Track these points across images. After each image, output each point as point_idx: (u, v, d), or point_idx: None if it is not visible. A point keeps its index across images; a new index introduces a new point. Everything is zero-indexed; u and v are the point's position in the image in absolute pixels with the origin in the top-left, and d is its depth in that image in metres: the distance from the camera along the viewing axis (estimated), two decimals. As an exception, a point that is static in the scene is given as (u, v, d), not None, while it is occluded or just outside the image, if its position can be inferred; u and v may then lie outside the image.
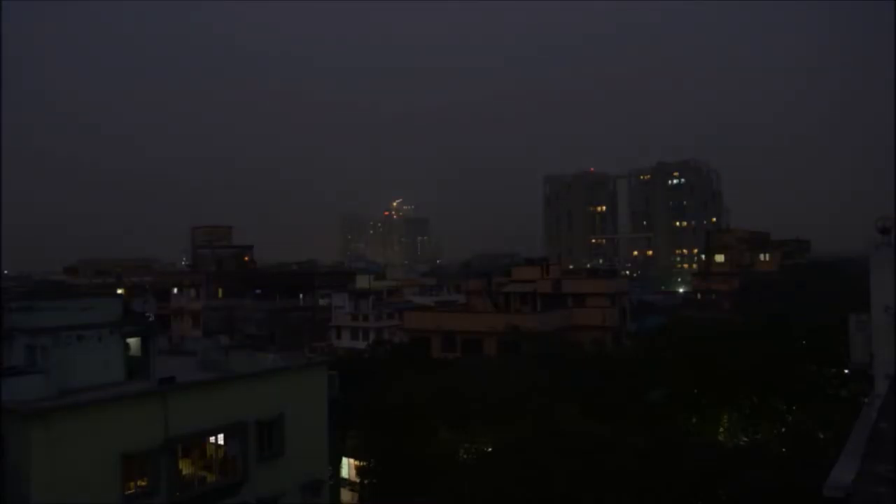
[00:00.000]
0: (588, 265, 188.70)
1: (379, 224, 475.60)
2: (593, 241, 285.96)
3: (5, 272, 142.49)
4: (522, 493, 24.51)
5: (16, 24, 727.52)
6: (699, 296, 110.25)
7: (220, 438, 24.92)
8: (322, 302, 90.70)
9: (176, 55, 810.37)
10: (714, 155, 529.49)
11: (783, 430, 33.52)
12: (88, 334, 22.97)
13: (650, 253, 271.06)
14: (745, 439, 33.85)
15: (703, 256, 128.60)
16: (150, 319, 28.68)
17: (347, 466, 42.60)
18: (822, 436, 29.78)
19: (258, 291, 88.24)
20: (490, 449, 32.10)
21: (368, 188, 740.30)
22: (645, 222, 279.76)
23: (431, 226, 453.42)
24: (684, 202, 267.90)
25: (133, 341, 24.97)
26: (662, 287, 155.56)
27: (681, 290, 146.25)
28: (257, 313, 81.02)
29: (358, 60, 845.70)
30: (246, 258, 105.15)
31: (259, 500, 24.60)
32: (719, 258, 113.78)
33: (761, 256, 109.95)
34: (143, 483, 21.71)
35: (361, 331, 79.50)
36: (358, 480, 38.96)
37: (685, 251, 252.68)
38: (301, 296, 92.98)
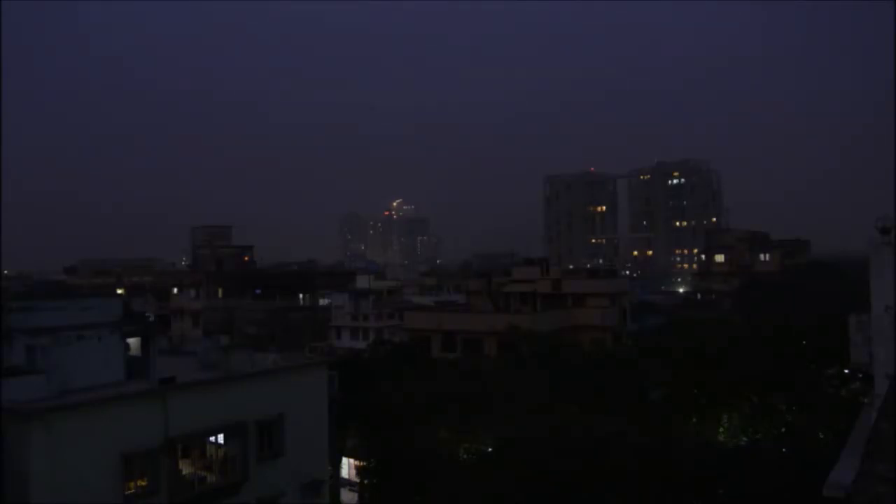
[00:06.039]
0: (588, 265, 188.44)
1: (379, 224, 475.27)
2: (593, 241, 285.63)
3: (5, 272, 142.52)
4: (522, 493, 24.51)
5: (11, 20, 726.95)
6: (699, 296, 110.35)
7: (220, 438, 24.92)
8: (322, 302, 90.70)
9: (177, 55, 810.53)
10: (714, 154, 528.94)
11: (783, 430, 33.47)
12: (88, 334, 22.97)
13: (650, 253, 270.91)
14: (745, 439, 33.80)
15: (703, 256, 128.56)
16: (150, 319, 28.70)
17: (347, 466, 42.60)
18: (822, 436, 29.74)
19: (258, 291, 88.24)
20: (490, 449, 32.08)
21: (368, 188, 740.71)
22: (645, 222, 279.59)
23: (431, 226, 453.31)
24: (684, 202, 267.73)
25: (133, 341, 25.00)
26: (662, 287, 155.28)
27: (681, 290, 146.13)
28: (257, 313, 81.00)
29: (357, 61, 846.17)
30: (246, 258, 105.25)
31: (259, 500, 24.60)
32: (719, 258, 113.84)
33: (761, 256, 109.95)
34: (143, 483, 21.68)
35: (361, 331, 79.46)
36: (358, 480, 38.95)
37: (685, 251, 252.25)
38: (301, 296, 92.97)
